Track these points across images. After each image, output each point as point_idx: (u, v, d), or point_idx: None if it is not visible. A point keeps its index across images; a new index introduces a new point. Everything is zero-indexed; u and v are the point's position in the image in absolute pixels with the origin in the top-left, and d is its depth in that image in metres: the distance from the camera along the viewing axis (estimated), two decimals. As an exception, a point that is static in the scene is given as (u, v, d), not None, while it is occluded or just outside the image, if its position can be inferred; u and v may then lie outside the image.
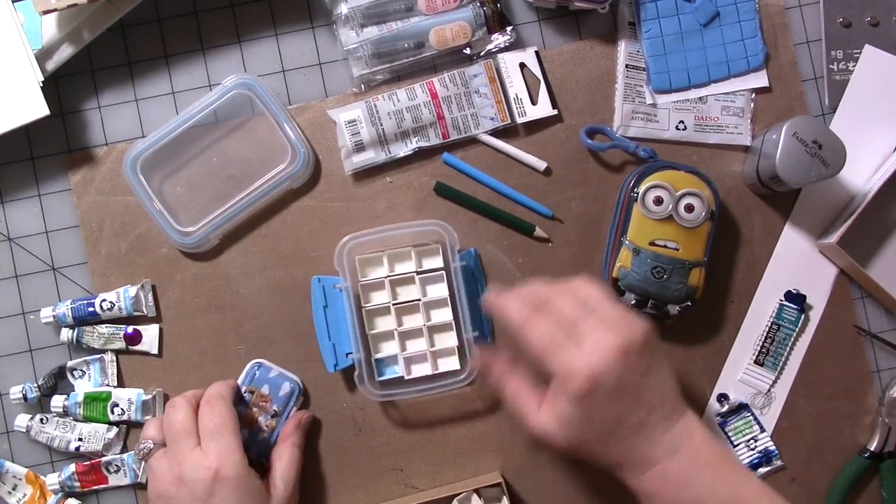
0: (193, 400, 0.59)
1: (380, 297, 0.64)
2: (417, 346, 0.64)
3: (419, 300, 0.63)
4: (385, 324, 0.64)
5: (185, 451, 0.56)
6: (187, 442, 0.56)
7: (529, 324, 0.53)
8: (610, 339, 0.50)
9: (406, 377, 0.63)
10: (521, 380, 0.57)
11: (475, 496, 0.61)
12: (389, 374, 0.64)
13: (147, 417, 0.63)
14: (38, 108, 0.61)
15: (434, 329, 0.64)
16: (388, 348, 0.64)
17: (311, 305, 0.64)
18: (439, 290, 0.64)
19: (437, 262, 0.64)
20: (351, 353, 0.62)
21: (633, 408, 0.51)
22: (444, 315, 0.64)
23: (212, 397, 0.59)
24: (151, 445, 0.58)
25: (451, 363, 0.63)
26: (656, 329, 0.53)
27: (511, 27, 0.66)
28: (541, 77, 0.66)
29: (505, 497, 0.61)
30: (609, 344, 0.50)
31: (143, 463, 0.62)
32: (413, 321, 0.64)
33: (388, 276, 0.63)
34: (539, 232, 0.65)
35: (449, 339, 0.63)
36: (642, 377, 0.51)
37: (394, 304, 0.63)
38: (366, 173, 0.66)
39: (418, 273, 0.63)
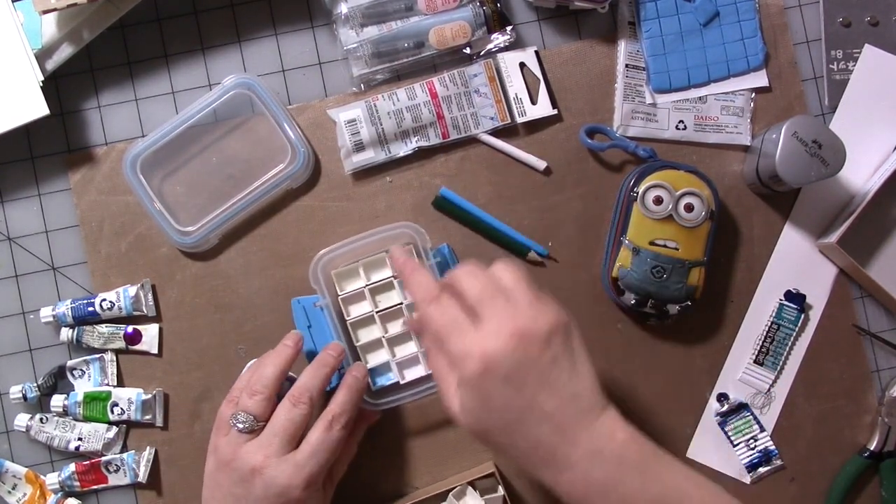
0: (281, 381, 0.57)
1: (361, 308, 0.63)
2: (407, 349, 0.63)
3: (401, 304, 0.63)
4: (371, 333, 0.63)
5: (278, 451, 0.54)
6: (287, 445, 0.54)
7: (435, 302, 0.51)
8: (509, 324, 0.47)
9: (401, 382, 0.63)
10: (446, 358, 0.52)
11: (470, 489, 0.61)
12: (384, 381, 0.63)
13: (147, 417, 0.63)
14: (38, 108, 0.61)
15: None
16: (378, 357, 0.63)
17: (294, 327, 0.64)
18: None
19: None
20: (343, 368, 0.62)
21: (538, 397, 0.47)
22: None
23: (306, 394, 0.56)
24: (254, 424, 0.55)
25: None
26: (573, 320, 0.49)
27: (511, 27, 0.66)
28: (541, 77, 0.66)
29: (500, 486, 0.61)
30: (508, 328, 0.47)
31: (238, 434, 0.55)
32: (398, 326, 0.63)
33: (367, 286, 0.63)
34: (532, 255, 0.65)
35: None
36: (549, 366, 0.47)
37: (377, 313, 0.63)
38: (365, 173, 0.66)
39: (396, 277, 0.63)
